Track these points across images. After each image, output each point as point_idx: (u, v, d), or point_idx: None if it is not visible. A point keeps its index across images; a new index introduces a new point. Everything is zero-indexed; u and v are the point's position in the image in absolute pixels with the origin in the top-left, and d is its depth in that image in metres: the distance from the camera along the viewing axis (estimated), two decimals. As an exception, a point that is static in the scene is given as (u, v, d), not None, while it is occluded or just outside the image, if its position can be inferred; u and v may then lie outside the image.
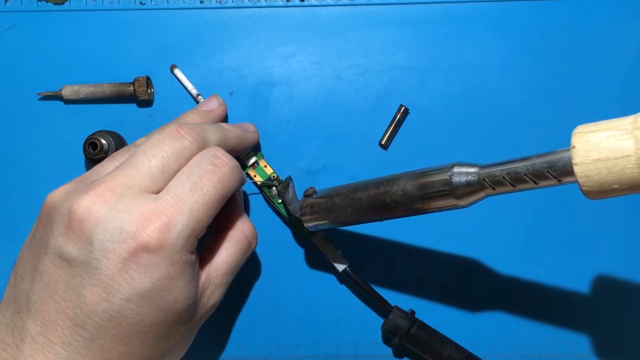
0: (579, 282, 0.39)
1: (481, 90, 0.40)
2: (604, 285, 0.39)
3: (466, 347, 0.37)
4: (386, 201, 0.31)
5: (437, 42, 0.40)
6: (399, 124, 0.40)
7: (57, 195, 0.29)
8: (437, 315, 0.38)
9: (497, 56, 0.40)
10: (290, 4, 0.41)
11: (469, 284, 0.39)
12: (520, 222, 0.39)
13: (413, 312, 0.37)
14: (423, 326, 0.37)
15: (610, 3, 0.40)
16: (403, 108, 0.40)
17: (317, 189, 0.36)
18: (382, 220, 0.33)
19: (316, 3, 0.41)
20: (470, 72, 0.40)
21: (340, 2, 0.41)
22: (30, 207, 0.37)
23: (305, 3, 0.41)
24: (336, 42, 0.40)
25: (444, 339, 0.37)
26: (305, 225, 0.36)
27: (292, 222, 0.39)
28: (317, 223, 0.35)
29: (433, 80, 0.40)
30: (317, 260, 0.39)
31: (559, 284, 0.39)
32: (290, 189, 0.37)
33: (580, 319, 0.39)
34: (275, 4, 0.41)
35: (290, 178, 0.37)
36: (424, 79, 0.40)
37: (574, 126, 0.39)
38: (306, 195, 0.36)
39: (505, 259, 0.39)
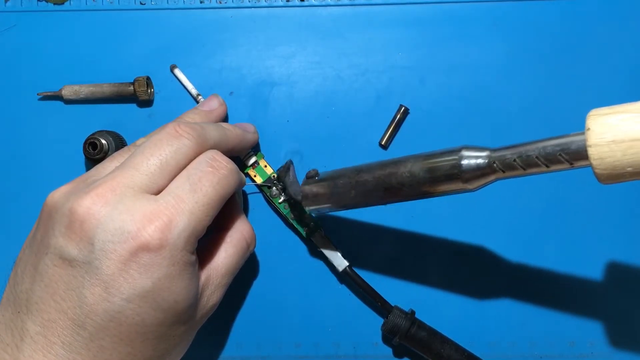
0: (579, 282, 0.39)
1: (481, 90, 0.40)
2: (604, 285, 0.39)
3: (466, 347, 0.37)
4: (392, 183, 0.31)
5: (437, 42, 0.40)
6: (399, 124, 0.40)
7: (57, 195, 0.29)
8: (437, 315, 0.38)
9: (497, 56, 0.40)
10: (290, 4, 0.41)
11: (469, 284, 0.39)
12: (523, 222, 0.39)
13: (413, 312, 0.37)
14: (423, 326, 0.37)
15: (610, 3, 0.40)
16: (403, 108, 0.40)
17: (319, 171, 0.36)
18: (385, 204, 0.32)
19: (316, 3, 0.41)
20: (470, 72, 0.40)
21: (340, 2, 0.41)
22: (30, 207, 0.37)
23: (305, 3, 0.41)
24: (336, 42, 0.40)
25: (444, 339, 0.37)
26: (306, 209, 0.35)
27: (292, 205, 0.38)
28: (318, 207, 0.34)
29: (433, 80, 0.40)
30: (317, 260, 0.39)
31: (558, 284, 0.39)
32: (290, 172, 0.36)
33: (580, 319, 0.39)
34: (275, 4, 0.41)
35: (290, 161, 0.37)
36: (424, 79, 0.40)
37: (574, 125, 0.39)
38: (308, 177, 0.36)
39: (505, 260, 0.39)
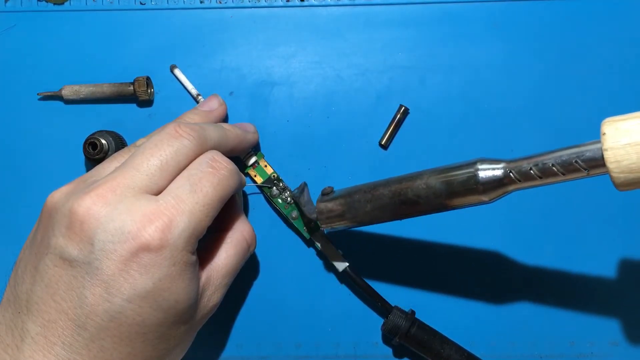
0: (578, 282, 0.39)
1: (481, 90, 0.40)
2: (604, 284, 0.39)
3: (466, 347, 0.37)
4: (408, 195, 0.31)
5: (437, 42, 0.40)
6: (399, 124, 0.40)
7: (58, 195, 0.29)
8: (437, 315, 0.38)
9: (497, 56, 0.40)
10: (290, 4, 0.41)
11: (469, 284, 0.39)
12: (523, 222, 0.39)
13: (413, 312, 0.37)
14: (423, 326, 0.37)
15: (610, 3, 0.40)
16: (403, 108, 0.40)
17: (334, 188, 0.36)
18: (401, 219, 0.33)
19: (316, 3, 0.41)
20: (470, 72, 0.40)
21: (340, 2, 0.41)
22: (31, 208, 0.37)
23: (305, 3, 0.41)
24: (336, 42, 0.40)
25: (444, 339, 0.37)
26: (321, 226, 0.35)
27: (307, 224, 0.38)
28: (334, 224, 0.34)
29: (433, 80, 0.40)
30: (317, 260, 0.39)
31: (558, 284, 0.39)
32: (305, 193, 0.37)
33: (580, 319, 0.39)
34: (275, 4, 0.41)
35: (305, 183, 0.37)
36: (424, 79, 0.40)
37: (574, 125, 0.40)
38: (323, 194, 0.36)
39: (505, 260, 0.39)
